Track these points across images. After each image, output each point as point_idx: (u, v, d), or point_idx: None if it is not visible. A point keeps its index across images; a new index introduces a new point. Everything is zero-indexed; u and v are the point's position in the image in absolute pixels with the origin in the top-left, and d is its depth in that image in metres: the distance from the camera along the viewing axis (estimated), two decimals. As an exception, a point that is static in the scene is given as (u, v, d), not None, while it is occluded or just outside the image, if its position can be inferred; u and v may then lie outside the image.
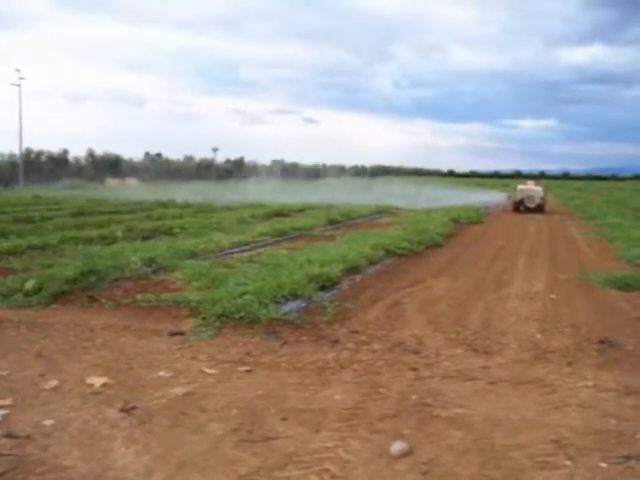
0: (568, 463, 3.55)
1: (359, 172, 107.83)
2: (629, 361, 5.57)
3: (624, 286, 9.00)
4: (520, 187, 28.06)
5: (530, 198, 26.68)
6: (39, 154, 60.89)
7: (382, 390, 4.73)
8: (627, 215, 23.11)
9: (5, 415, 4.13)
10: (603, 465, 3.54)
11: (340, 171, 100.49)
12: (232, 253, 11.78)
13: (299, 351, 5.73)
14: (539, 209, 26.24)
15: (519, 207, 26.83)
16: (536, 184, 29.00)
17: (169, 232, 15.16)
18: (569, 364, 5.44)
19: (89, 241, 12.49)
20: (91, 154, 66.72)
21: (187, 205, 25.49)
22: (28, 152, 58.79)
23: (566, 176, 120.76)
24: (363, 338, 6.20)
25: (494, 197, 36.29)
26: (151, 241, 13.03)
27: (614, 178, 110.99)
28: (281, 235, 14.97)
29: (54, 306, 7.33)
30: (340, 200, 29.00)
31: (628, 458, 3.60)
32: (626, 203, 32.06)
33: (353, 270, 9.71)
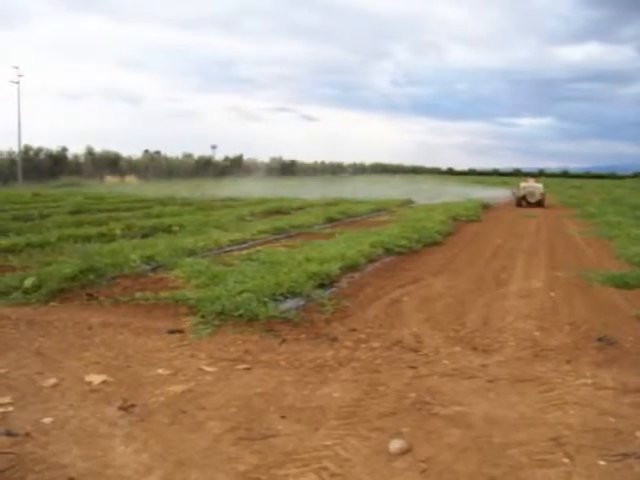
0: (566, 461, 3.56)
1: (358, 170, 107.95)
2: (627, 359, 5.57)
3: (623, 284, 9.00)
4: (522, 184, 30.87)
5: (531, 194, 29.51)
6: (38, 152, 60.61)
7: (381, 388, 4.73)
8: (626, 213, 23.07)
9: (4, 413, 4.13)
10: (601, 463, 3.54)
11: (339, 169, 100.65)
12: (231, 251, 11.77)
13: (298, 349, 5.73)
14: (539, 204, 29.07)
15: (521, 202, 29.47)
16: (536, 181, 32.15)
17: (168, 230, 15.14)
18: (568, 362, 5.44)
19: (88, 239, 12.48)
20: (90, 152, 66.52)
21: (186, 203, 25.47)
22: (27, 150, 58.57)
23: (565, 174, 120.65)
24: (362, 336, 6.21)
25: (494, 194, 37.03)
26: (150, 239, 13.02)
27: (613, 176, 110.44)
28: (280, 233, 14.95)
29: (53, 304, 7.33)
30: (342, 196, 29.55)
31: (626, 456, 3.61)
32: (625, 201, 31.99)
33: (352, 268, 9.71)
